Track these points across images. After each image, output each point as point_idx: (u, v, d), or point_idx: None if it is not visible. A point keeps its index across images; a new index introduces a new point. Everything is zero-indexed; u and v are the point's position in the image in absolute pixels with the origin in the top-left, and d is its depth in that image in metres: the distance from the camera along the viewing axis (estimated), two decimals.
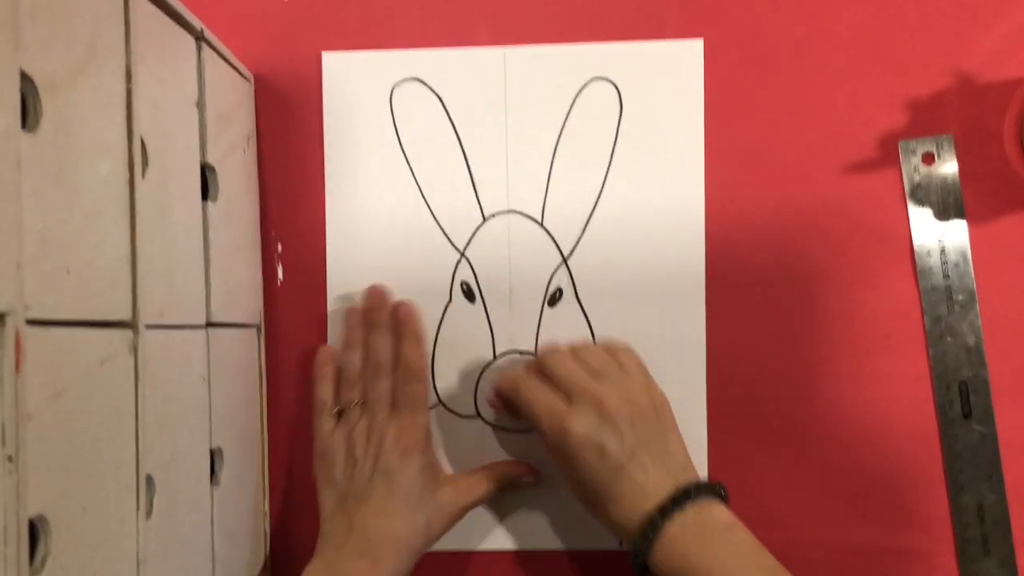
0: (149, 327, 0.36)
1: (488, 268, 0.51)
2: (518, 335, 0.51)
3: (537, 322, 0.51)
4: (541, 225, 0.51)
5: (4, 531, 0.26)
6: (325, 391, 0.49)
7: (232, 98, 0.49)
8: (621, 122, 0.51)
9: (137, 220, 0.35)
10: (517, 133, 0.51)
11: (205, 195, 0.44)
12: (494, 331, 0.51)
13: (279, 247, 0.53)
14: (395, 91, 0.52)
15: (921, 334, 0.50)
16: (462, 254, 0.51)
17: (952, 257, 0.49)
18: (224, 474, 0.45)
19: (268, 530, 0.52)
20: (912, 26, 0.50)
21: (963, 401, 0.49)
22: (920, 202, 0.49)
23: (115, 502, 0.33)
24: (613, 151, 0.51)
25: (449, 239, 0.52)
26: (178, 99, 0.41)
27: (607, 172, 0.51)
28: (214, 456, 0.44)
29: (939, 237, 0.49)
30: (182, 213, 0.41)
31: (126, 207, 0.35)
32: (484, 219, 0.51)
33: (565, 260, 0.51)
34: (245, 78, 0.51)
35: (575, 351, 0.46)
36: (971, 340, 0.49)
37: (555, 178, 0.51)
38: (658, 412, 0.44)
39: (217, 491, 0.44)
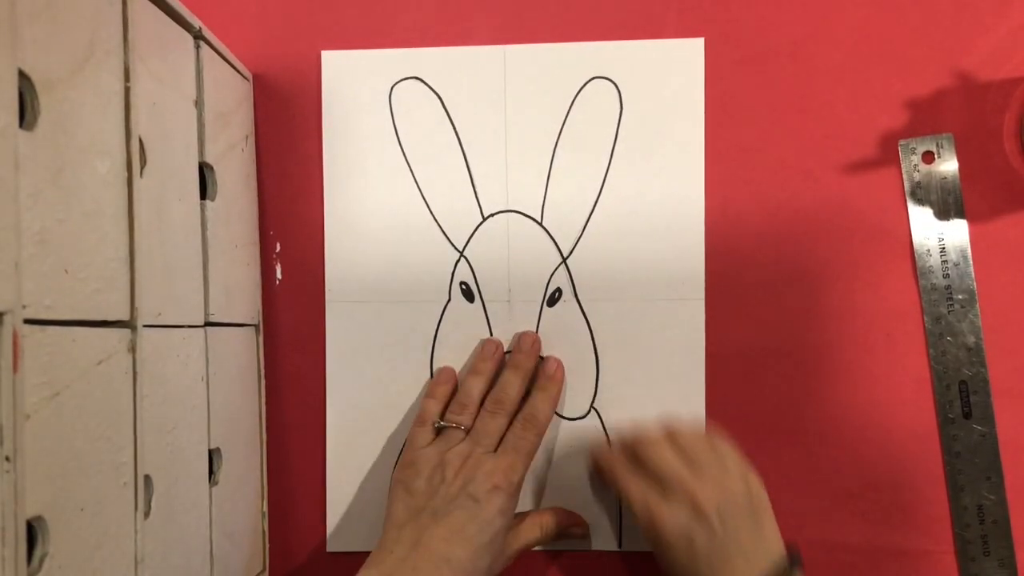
0: (147, 327, 0.36)
1: (487, 268, 0.51)
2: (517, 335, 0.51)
3: (536, 322, 0.51)
4: (540, 224, 0.51)
5: (2, 532, 0.26)
6: (433, 407, 0.49)
7: (231, 97, 0.48)
8: (621, 121, 0.51)
9: (135, 219, 0.35)
10: (517, 132, 0.51)
11: (203, 194, 0.44)
12: (493, 331, 0.51)
13: (278, 246, 0.52)
14: (394, 90, 0.52)
15: (921, 334, 0.49)
16: (461, 253, 0.51)
17: (952, 256, 0.49)
18: (223, 474, 0.45)
19: (267, 530, 0.52)
20: (912, 26, 0.50)
21: (963, 401, 0.49)
22: (920, 201, 0.49)
23: (113, 502, 0.33)
24: (613, 150, 0.51)
25: (448, 238, 0.51)
26: (176, 98, 0.41)
27: (607, 171, 0.51)
28: (212, 456, 0.44)
29: (939, 236, 0.49)
30: (180, 212, 0.41)
31: (124, 206, 0.35)
32: (483, 218, 0.51)
33: (564, 260, 0.51)
34: (244, 77, 0.51)
35: (672, 436, 0.45)
36: (971, 340, 0.49)
37: (555, 177, 0.51)
38: (753, 503, 0.44)
39: (216, 491, 0.44)
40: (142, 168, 0.36)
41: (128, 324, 0.35)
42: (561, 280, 0.51)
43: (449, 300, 0.51)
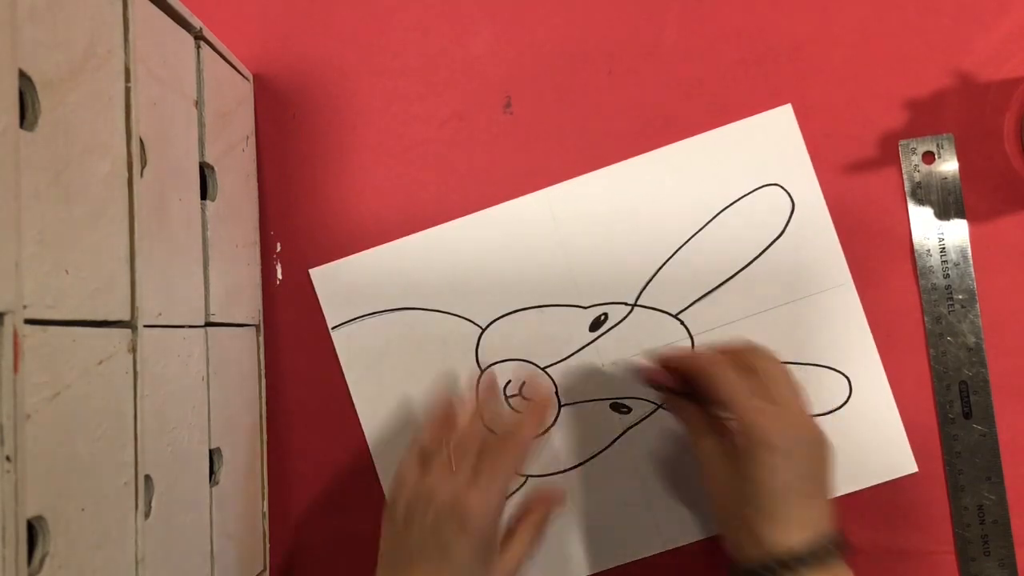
0: (148, 327, 0.36)
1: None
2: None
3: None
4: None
5: (3, 531, 0.26)
6: (427, 434, 0.46)
7: (231, 97, 0.48)
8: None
9: (136, 219, 0.35)
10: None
11: (204, 194, 0.44)
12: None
13: (278, 246, 0.52)
14: None
15: (921, 334, 0.49)
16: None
17: (952, 256, 0.49)
18: (223, 474, 0.45)
19: (267, 530, 0.52)
20: (912, 26, 0.50)
21: (963, 401, 0.49)
22: (920, 201, 0.49)
23: (114, 502, 0.33)
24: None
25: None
26: (177, 98, 0.41)
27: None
28: (213, 456, 0.44)
29: (939, 236, 0.49)
30: (181, 212, 0.41)
31: (125, 206, 0.35)
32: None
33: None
34: (244, 77, 0.51)
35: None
36: (971, 340, 0.49)
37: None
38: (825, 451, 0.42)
39: (216, 491, 0.44)
40: (142, 168, 0.36)
41: (128, 324, 0.35)
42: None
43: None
